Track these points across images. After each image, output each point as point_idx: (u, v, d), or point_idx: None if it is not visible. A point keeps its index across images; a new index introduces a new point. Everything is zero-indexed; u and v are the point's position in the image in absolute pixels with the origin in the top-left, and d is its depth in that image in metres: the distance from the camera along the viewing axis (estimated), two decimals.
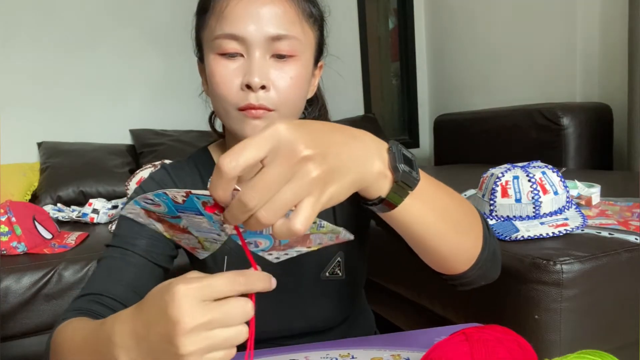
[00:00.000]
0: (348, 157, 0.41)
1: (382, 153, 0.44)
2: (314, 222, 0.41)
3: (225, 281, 0.39)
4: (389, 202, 0.46)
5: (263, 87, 0.62)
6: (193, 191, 0.40)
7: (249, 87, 0.62)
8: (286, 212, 0.37)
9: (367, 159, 0.43)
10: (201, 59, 0.71)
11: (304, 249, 0.46)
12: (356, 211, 0.77)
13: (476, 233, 0.56)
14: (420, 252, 0.56)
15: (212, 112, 0.79)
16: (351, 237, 0.43)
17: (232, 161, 0.35)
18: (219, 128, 0.81)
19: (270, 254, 0.47)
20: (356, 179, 0.41)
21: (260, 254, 0.47)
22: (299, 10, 0.64)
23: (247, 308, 0.40)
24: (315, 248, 0.46)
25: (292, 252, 0.47)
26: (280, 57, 0.63)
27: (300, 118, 0.72)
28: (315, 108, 0.79)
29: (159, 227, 0.47)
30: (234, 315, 0.39)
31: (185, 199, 0.40)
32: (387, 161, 0.44)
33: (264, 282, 0.41)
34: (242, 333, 0.40)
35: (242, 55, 0.63)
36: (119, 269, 0.68)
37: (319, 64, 0.73)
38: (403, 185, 0.45)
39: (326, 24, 0.72)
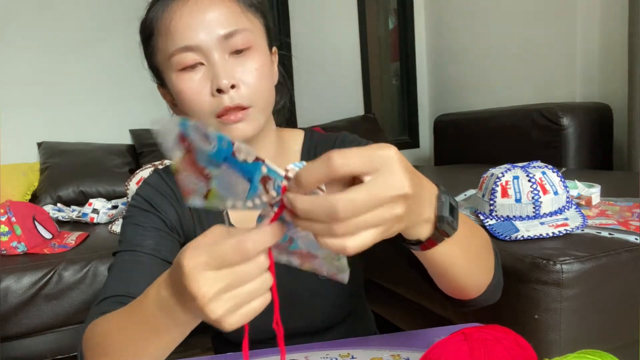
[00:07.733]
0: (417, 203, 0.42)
1: (432, 200, 0.46)
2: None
3: (233, 250, 0.38)
4: (425, 245, 0.48)
5: (233, 87, 0.62)
6: (267, 161, 0.37)
7: (219, 91, 0.62)
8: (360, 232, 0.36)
9: (423, 204, 0.44)
10: (162, 84, 0.72)
11: (297, 264, 0.44)
12: None
13: (490, 265, 0.60)
14: (439, 280, 0.58)
15: None
16: (345, 280, 0.43)
17: (345, 159, 0.35)
18: None
19: (281, 252, 0.44)
20: (410, 220, 0.43)
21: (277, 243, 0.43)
22: (240, 3, 0.65)
23: (260, 264, 0.39)
24: (307, 269, 0.44)
25: (291, 261, 0.45)
26: (238, 52, 0.64)
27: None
28: (283, 95, 0.78)
29: (178, 154, 0.38)
30: (249, 272, 0.39)
31: (247, 159, 0.37)
32: (435, 209, 0.45)
33: (273, 234, 0.39)
34: (266, 281, 0.40)
35: (202, 64, 0.63)
36: (132, 270, 0.68)
37: (273, 49, 0.72)
38: (443, 233, 0.47)
39: (267, 10, 0.72)
